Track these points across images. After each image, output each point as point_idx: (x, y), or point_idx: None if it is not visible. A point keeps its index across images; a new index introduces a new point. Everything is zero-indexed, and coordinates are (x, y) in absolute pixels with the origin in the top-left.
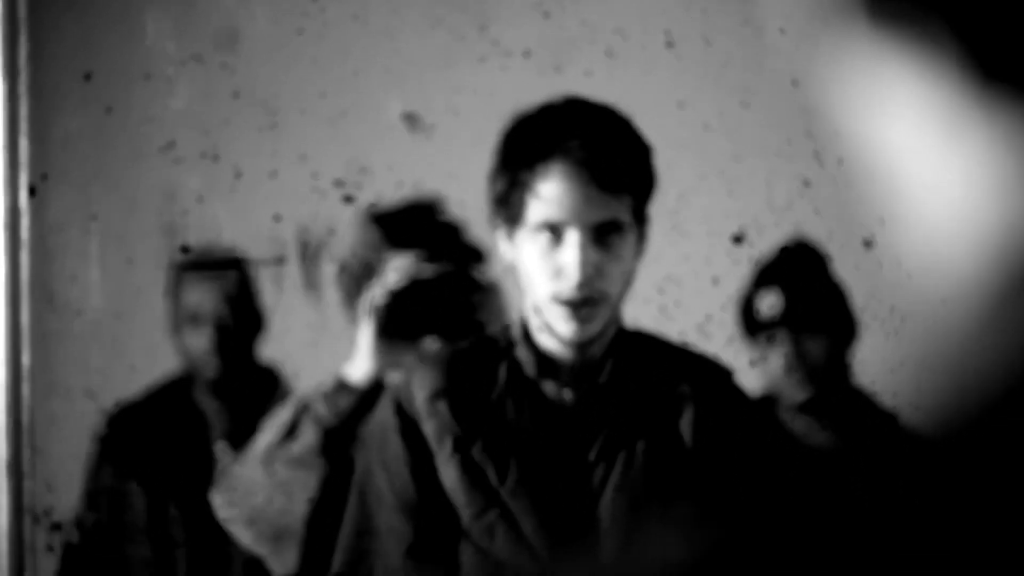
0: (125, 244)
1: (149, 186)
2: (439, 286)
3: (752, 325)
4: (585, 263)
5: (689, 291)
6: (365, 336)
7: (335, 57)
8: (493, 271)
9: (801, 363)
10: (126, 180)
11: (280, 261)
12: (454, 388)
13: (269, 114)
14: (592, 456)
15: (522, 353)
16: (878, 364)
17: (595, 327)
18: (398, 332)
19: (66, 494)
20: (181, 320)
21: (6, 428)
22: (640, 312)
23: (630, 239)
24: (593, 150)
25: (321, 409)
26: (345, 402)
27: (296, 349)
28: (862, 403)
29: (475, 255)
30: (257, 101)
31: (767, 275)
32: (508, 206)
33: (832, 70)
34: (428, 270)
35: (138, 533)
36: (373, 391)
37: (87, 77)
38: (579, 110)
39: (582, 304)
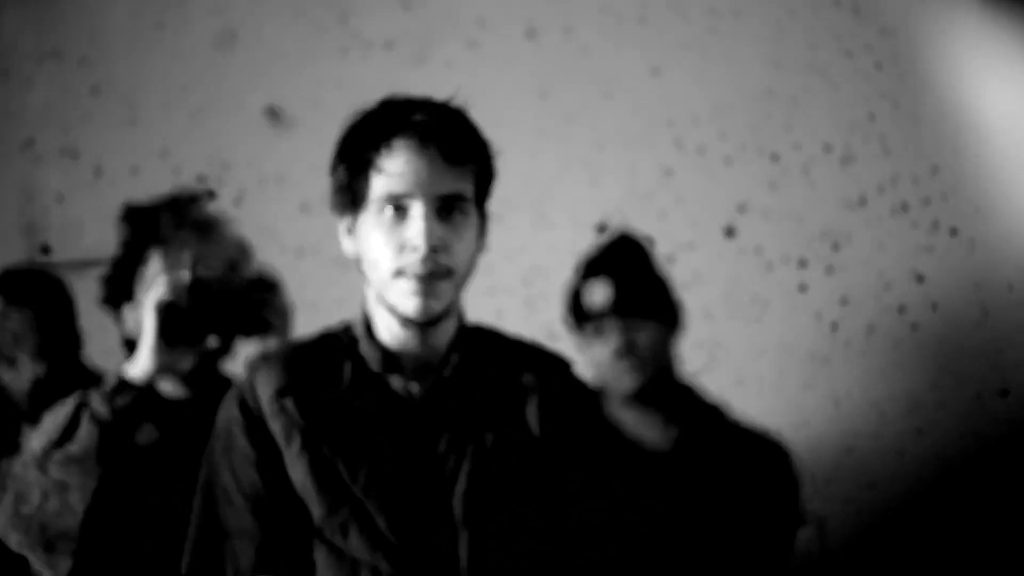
0: None
1: (8, 185)
2: (218, 285)
3: (580, 316)
4: (431, 233)
5: (555, 282)
6: (146, 335)
7: (196, 51)
8: (272, 269)
9: (631, 351)
10: None
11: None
12: (299, 385)
13: (130, 109)
14: (442, 448)
15: (366, 348)
16: (741, 352)
17: (440, 304)
18: (179, 331)
19: None
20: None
21: None
22: (506, 304)
23: (472, 220)
24: (437, 124)
25: (100, 407)
26: (124, 400)
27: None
28: (687, 395)
29: (243, 252)
30: (117, 97)
31: (594, 266)
32: (351, 190)
33: (942, 44)
34: (199, 270)
35: None
36: (150, 390)
37: None
38: (416, 101)
39: (428, 277)
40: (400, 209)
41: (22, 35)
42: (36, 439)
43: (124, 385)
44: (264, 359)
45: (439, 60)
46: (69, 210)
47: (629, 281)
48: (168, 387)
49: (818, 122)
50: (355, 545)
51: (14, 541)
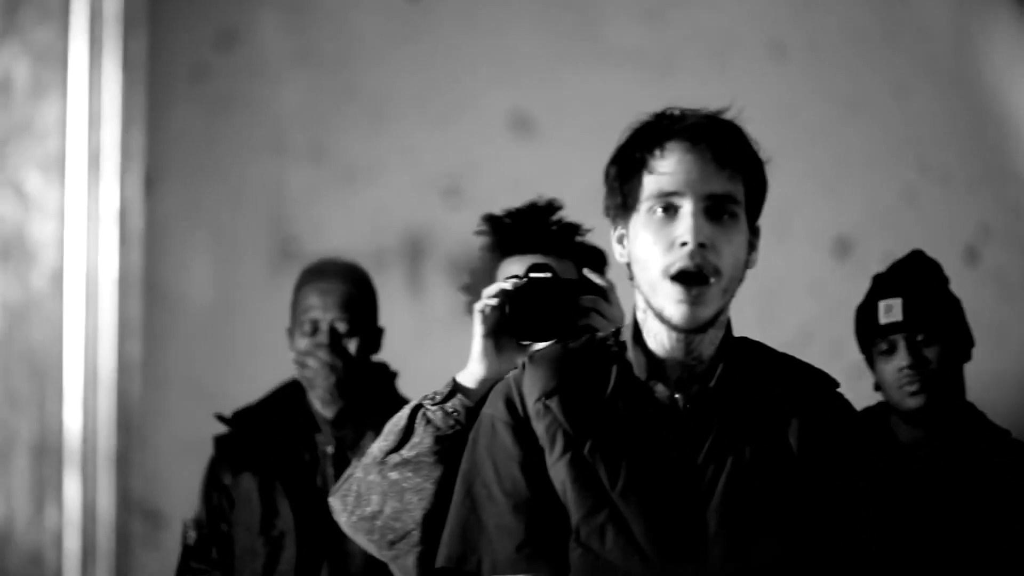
0: (233, 239)
1: (257, 182)
2: (553, 290)
3: (870, 332)
4: (699, 230)
5: (791, 298)
6: (477, 341)
7: (444, 55)
8: (608, 275)
9: (918, 371)
10: (235, 176)
11: (383, 262)
12: (566, 388)
13: (378, 111)
14: (701, 459)
15: (633, 355)
16: (978, 378)
17: (706, 311)
18: (512, 337)
19: (171, 488)
20: (296, 325)
21: (112, 421)
22: (739, 319)
23: (742, 227)
24: (709, 127)
25: (435, 414)
26: (458, 407)
27: (400, 350)
28: (974, 417)
29: (595, 255)
30: (366, 98)
31: (887, 283)
32: (623, 193)
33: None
34: (542, 275)
35: (251, 529)
36: (486, 397)
37: (200, 73)
38: (694, 109)
39: (695, 277)
40: (670, 209)
41: (274, 37)
42: (376, 444)
43: (457, 392)
44: (532, 360)
45: (686, 72)
46: (316, 210)
47: (921, 299)
48: None
49: None
50: (611, 549)
51: (361, 540)
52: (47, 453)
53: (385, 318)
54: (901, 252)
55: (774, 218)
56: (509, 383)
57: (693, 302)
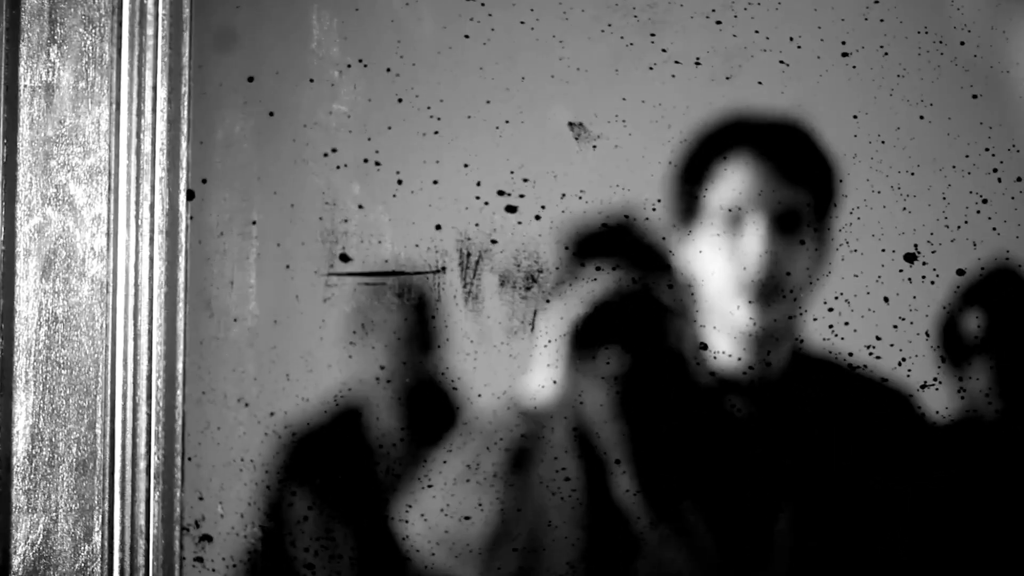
0: (284, 250)
1: (309, 192)
2: (627, 303)
3: (952, 347)
4: (766, 247)
5: (859, 309)
6: (549, 353)
7: (501, 63)
8: (678, 291)
9: (1002, 385)
10: (286, 185)
11: (440, 271)
12: (629, 399)
13: (433, 120)
14: (768, 472)
15: (695, 367)
16: None
17: (776, 329)
18: (583, 350)
19: (217, 504)
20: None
21: (158, 435)
22: (808, 330)
23: (811, 241)
24: (777, 139)
25: (503, 431)
26: (527, 423)
27: (455, 361)
28: None
29: (665, 268)
30: (421, 107)
31: (969, 297)
32: (688, 204)
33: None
34: (618, 288)
35: (307, 550)
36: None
37: (250, 79)
38: (762, 117)
39: (764, 295)
40: (736, 222)
41: (329, 43)
42: (442, 460)
43: (527, 406)
44: (594, 372)
45: (749, 78)
46: (369, 219)
47: (1004, 314)
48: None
49: None
50: (675, 560)
51: (417, 555)
52: (92, 470)
53: (442, 328)
54: (971, 264)
55: (844, 227)
56: (570, 398)
57: (761, 317)
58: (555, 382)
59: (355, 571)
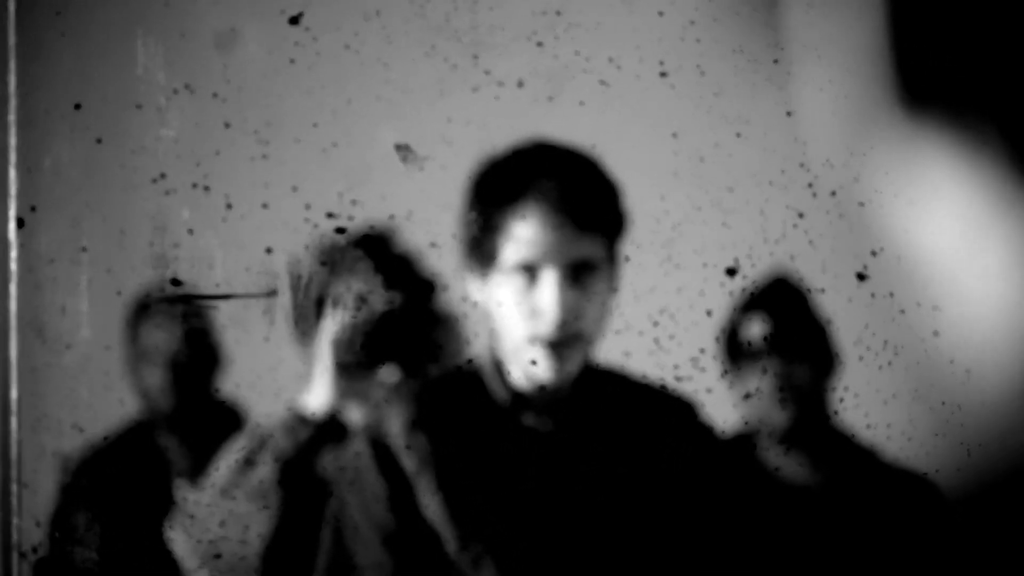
0: (115, 276)
1: (139, 217)
2: (397, 316)
3: (734, 353)
4: (562, 303)
5: (683, 323)
6: (323, 367)
7: (327, 87)
8: (451, 302)
9: (785, 389)
10: (116, 211)
11: (272, 294)
12: (430, 419)
13: (261, 144)
14: (568, 485)
15: (496, 386)
16: (871, 396)
17: (572, 367)
18: (355, 362)
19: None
20: (136, 358)
21: None
22: (634, 345)
23: (604, 278)
24: (567, 190)
25: (280, 441)
26: (304, 434)
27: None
28: (841, 438)
29: (429, 286)
30: (249, 131)
31: (752, 303)
32: (481, 249)
33: (866, 159)
34: (386, 301)
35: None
36: (329, 423)
37: (77, 107)
38: (549, 153)
39: (560, 344)
40: (531, 271)
41: (155, 68)
42: (216, 469)
43: (302, 419)
44: (394, 393)
45: (571, 99)
46: (199, 243)
47: (787, 319)
48: (355, 415)
49: None
50: None
51: (191, 565)
52: None
53: (276, 351)
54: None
55: (665, 244)
56: (372, 420)
57: (560, 359)
58: (329, 398)
59: None
